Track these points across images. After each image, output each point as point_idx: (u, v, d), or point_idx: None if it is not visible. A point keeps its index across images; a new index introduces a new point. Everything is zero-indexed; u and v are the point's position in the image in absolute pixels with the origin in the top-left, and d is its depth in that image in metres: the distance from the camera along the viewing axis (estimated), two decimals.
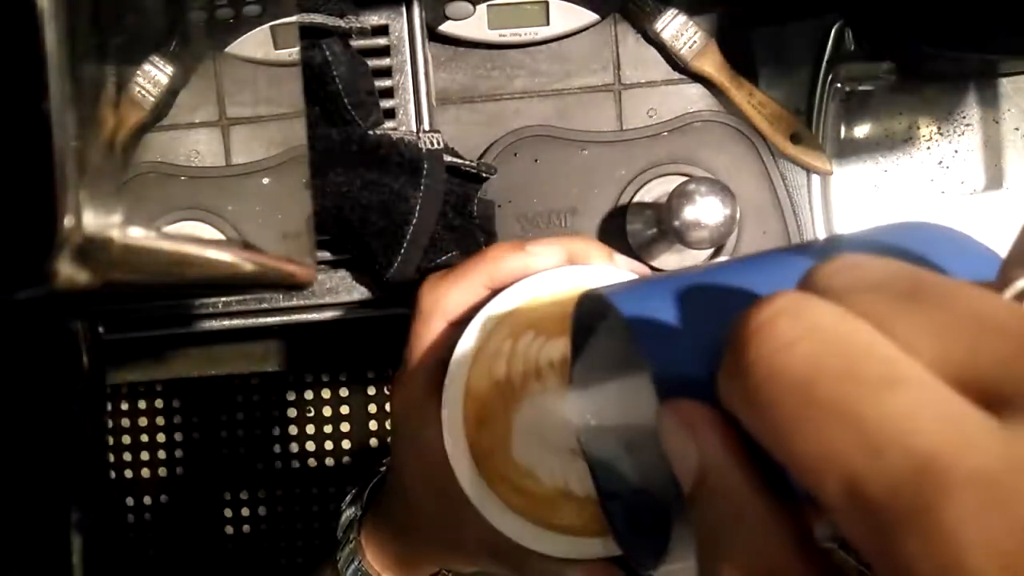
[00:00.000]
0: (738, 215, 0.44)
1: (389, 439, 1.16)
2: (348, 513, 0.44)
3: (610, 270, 0.34)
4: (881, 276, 0.16)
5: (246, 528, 1.17)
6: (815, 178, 0.53)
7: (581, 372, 0.29)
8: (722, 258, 0.50)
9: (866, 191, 0.54)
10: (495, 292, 0.34)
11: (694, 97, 0.53)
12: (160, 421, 1.17)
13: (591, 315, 0.27)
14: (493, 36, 0.51)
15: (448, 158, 0.47)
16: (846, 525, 0.14)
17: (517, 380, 0.32)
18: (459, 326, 0.33)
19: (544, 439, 0.32)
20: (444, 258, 0.47)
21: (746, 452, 0.17)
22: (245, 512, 1.17)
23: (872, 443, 0.13)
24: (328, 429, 1.17)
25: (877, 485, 0.13)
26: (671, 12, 0.51)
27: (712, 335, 0.18)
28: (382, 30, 0.48)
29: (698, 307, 0.20)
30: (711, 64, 0.51)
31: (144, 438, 1.17)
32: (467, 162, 0.48)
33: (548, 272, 0.33)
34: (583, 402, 0.29)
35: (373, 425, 1.17)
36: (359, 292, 0.50)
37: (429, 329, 0.36)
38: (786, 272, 0.20)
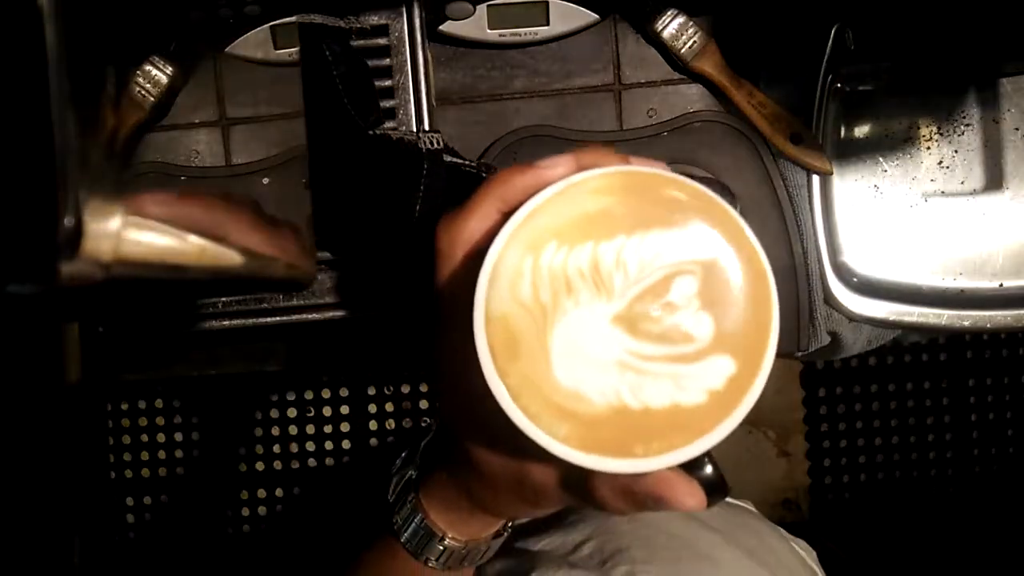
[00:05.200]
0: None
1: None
2: (403, 475, 0.42)
3: (628, 169, 0.31)
4: None
5: (246, 528, 1.17)
6: (815, 178, 0.53)
7: None
8: None
9: (866, 191, 0.54)
10: (510, 213, 0.31)
11: (694, 97, 0.53)
12: (160, 421, 1.17)
13: None
14: (493, 36, 0.51)
15: (448, 158, 0.47)
16: None
17: (547, 298, 0.30)
18: (480, 257, 0.31)
19: (587, 356, 0.29)
20: None
21: None
22: (245, 512, 1.17)
23: None
24: (328, 429, 1.17)
25: None
26: (671, 12, 0.51)
27: None
28: (382, 30, 0.48)
29: None
30: (711, 64, 0.51)
31: (144, 438, 1.17)
32: (467, 162, 0.48)
33: (563, 181, 0.31)
34: None
35: (373, 425, 1.17)
36: (359, 292, 0.50)
37: (451, 267, 0.34)
38: None
